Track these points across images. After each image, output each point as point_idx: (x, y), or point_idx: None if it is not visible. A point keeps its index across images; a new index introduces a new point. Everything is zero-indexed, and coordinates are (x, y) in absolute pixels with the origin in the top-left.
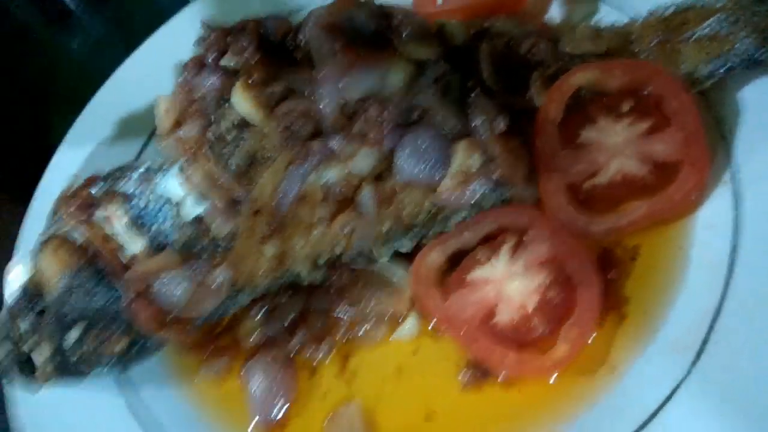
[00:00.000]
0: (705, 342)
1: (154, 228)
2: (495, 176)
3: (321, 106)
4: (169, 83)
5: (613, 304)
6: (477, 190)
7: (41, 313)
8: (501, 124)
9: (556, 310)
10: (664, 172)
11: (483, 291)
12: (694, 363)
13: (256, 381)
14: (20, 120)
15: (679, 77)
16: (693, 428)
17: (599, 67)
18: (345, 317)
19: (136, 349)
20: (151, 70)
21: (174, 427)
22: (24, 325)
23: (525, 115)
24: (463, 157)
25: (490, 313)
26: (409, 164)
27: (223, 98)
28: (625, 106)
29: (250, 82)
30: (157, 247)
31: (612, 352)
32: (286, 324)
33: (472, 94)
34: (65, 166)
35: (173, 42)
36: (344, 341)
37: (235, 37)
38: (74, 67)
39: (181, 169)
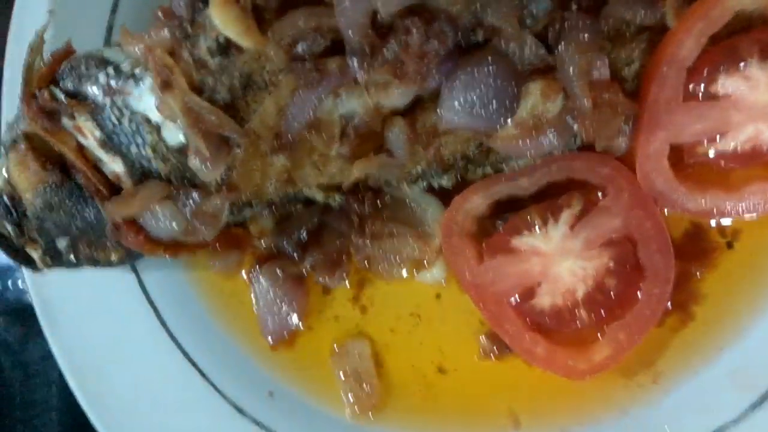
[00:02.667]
0: None
1: (132, 151)
2: (574, 134)
3: (341, 20)
4: None
5: (683, 299)
6: (548, 142)
7: (25, 215)
8: (603, 70)
9: (609, 302)
10: None
11: (527, 263)
12: (753, 408)
13: (264, 290)
14: None
15: None
16: None
17: None
18: (362, 252)
19: (135, 254)
20: None
21: (184, 319)
22: (9, 227)
23: (644, 35)
24: (538, 100)
25: (530, 292)
26: (460, 108)
27: (200, 1)
28: None
29: None
30: (139, 171)
31: (660, 360)
32: (298, 237)
33: (570, 9)
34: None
35: None
36: (363, 266)
37: None
38: None
39: (154, 91)
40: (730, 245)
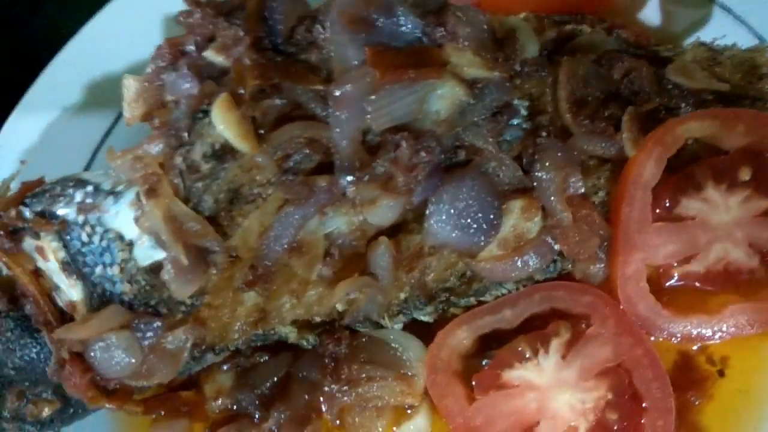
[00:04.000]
0: None
1: (97, 271)
2: (556, 248)
3: (335, 135)
4: (151, 45)
5: None
6: (530, 263)
7: None
8: (578, 185)
9: None
10: None
11: (522, 400)
12: None
13: None
14: None
15: None
16: None
17: (719, 117)
18: (338, 397)
19: (71, 411)
20: (131, 26)
21: None
22: None
23: (605, 166)
24: (519, 219)
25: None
26: (445, 224)
27: (201, 110)
28: (744, 174)
29: (239, 92)
30: (99, 296)
31: None
32: (263, 392)
33: (542, 136)
34: (18, 137)
35: None
36: (335, 425)
37: (227, 21)
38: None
39: (137, 199)
40: (721, 373)
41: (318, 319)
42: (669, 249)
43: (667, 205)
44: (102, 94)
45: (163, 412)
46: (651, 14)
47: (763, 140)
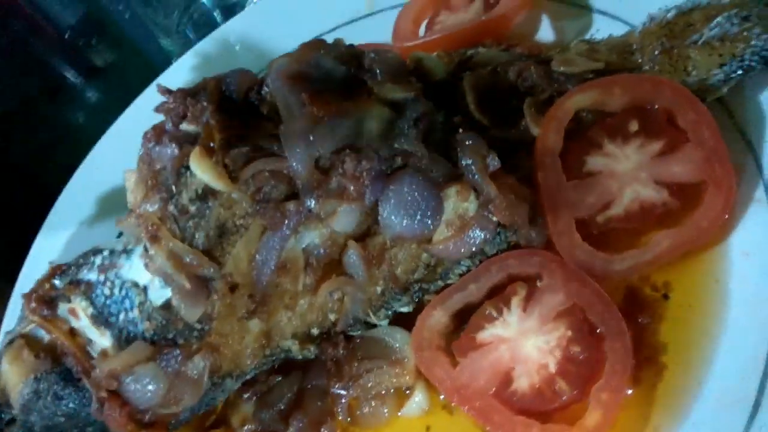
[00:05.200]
0: (761, 390)
1: (121, 318)
2: (494, 220)
3: (292, 164)
4: None
5: (649, 353)
6: (476, 236)
7: (11, 422)
8: (495, 162)
9: (582, 368)
10: (686, 196)
11: (496, 353)
12: (751, 418)
13: None
14: (16, 196)
15: (689, 87)
16: None
17: (597, 86)
18: (345, 394)
19: None
20: (128, 145)
21: None
22: None
23: (521, 149)
24: (456, 202)
25: (507, 379)
26: (396, 217)
27: (183, 167)
28: (633, 127)
29: (210, 146)
30: (125, 338)
31: (653, 414)
32: (281, 408)
33: (459, 132)
34: (46, 252)
35: (148, 114)
36: (347, 422)
37: (194, 99)
38: (71, 140)
39: (145, 250)
40: (666, 296)
41: (316, 332)
42: (588, 201)
43: (577, 166)
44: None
45: None
46: (545, 33)
47: (639, 96)
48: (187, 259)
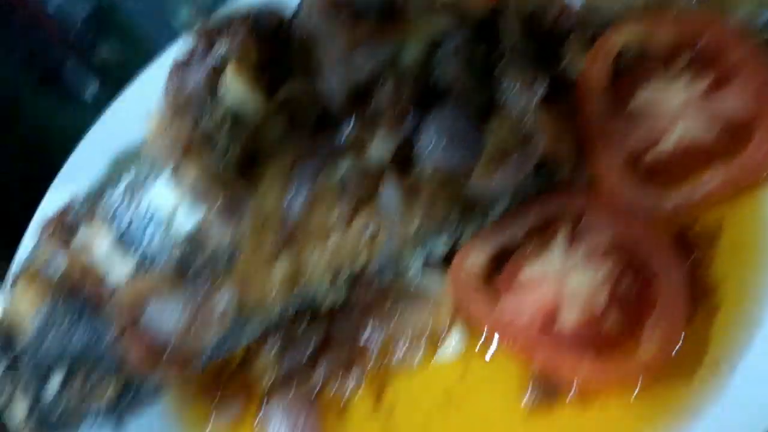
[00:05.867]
0: None
1: (144, 244)
2: (537, 156)
3: (328, 87)
4: None
5: (702, 291)
6: (518, 174)
7: (16, 360)
8: (541, 89)
9: (633, 304)
10: (737, 132)
11: (540, 291)
12: None
13: (274, 427)
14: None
15: (735, 26)
16: None
17: (644, 21)
18: (374, 341)
19: (130, 395)
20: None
21: None
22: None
23: (563, 89)
24: (498, 135)
25: (553, 315)
26: (434, 150)
27: (212, 91)
28: (681, 62)
29: (245, 63)
30: (148, 266)
31: (711, 349)
32: (307, 353)
33: (501, 62)
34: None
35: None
36: (377, 370)
37: (225, 27)
38: (67, 129)
39: (171, 173)
40: (718, 235)
41: (346, 273)
42: (636, 137)
43: (624, 102)
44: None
45: (218, 396)
46: None
47: (686, 33)
48: (218, 179)
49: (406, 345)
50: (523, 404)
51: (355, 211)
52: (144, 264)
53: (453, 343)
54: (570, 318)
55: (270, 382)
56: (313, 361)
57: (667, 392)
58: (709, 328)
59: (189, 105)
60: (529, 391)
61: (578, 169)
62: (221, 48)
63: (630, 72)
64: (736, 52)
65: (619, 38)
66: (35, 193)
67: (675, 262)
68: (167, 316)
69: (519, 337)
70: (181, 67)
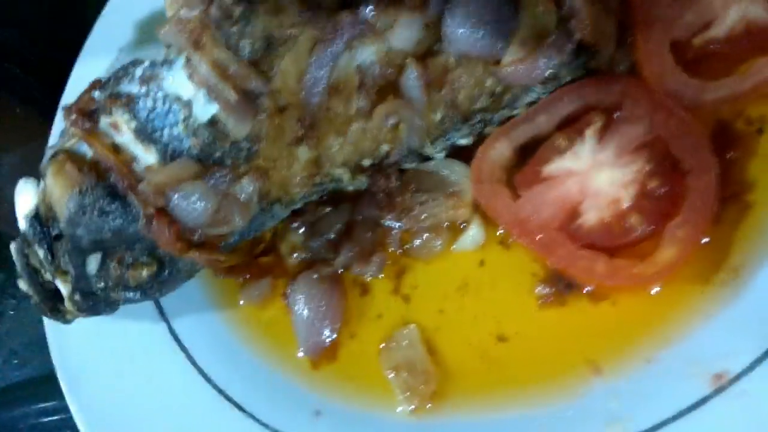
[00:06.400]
0: None
1: (165, 133)
2: (576, 39)
3: None
4: None
5: (734, 191)
6: (552, 59)
7: (58, 237)
8: None
9: (659, 204)
10: None
11: (564, 186)
12: None
13: (301, 304)
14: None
15: None
16: None
17: None
18: (397, 226)
19: (166, 273)
20: None
21: (217, 357)
22: (41, 252)
23: None
24: (533, 15)
25: (574, 213)
26: (462, 31)
27: None
28: None
29: None
30: (171, 155)
31: (733, 253)
32: (331, 238)
33: None
34: (86, 77)
35: None
36: (398, 254)
37: None
38: None
39: (187, 60)
40: (760, 131)
41: (368, 162)
42: (686, 18)
43: None
44: (151, 31)
45: (248, 276)
46: None
47: None
48: (233, 69)
49: (427, 233)
50: (536, 296)
51: (376, 101)
52: (166, 153)
53: (473, 233)
54: (591, 217)
55: (297, 262)
56: (337, 245)
57: (681, 292)
58: (733, 232)
59: None
60: (543, 285)
61: (620, 55)
62: None
63: None
64: None
65: None
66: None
67: (710, 160)
68: (193, 203)
69: (536, 234)
70: None
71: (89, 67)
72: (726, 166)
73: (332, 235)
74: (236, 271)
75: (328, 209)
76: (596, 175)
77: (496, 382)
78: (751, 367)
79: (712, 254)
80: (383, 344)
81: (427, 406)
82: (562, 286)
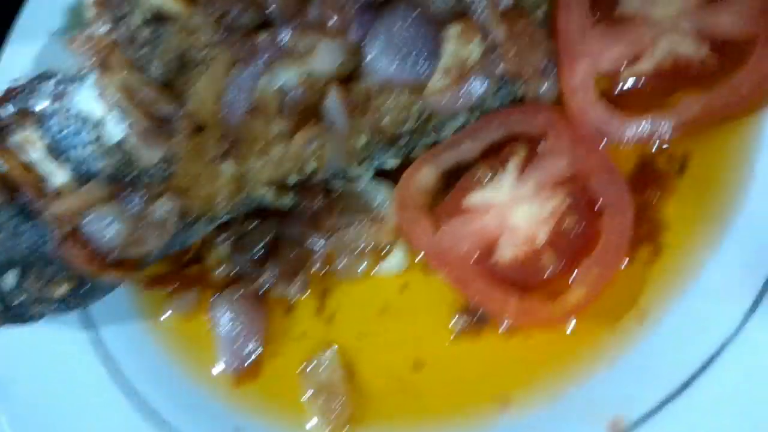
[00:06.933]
0: (765, 289)
1: (77, 153)
2: (500, 70)
3: None
4: None
5: (649, 232)
6: (477, 88)
7: None
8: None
9: (573, 242)
10: (729, 54)
11: (483, 220)
12: (748, 315)
13: (224, 321)
14: None
15: None
16: (733, 399)
17: None
18: (320, 250)
19: (87, 287)
20: None
21: (139, 370)
22: None
23: None
24: (458, 45)
25: (491, 248)
26: (385, 59)
27: None
28: None
29: None
30: (84, 174)
31: (643, 295)
32: (255, 255)
33: None
34: (14, 66)
35: None
36: (322, 274)
37: None
38: None
39: (95, 83)
40: (682, 169)
41: (293, 179)
42: (614, 52)
43: (607, 7)
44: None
45: (176, 285)
46: None
47: None
48: (143, 93)
49: (350, 256)
50: (452, 327)
51: (298, 123)
52: (79, 172)
53: (396, 258)
54: (507, 253)
55: (222, 276)
56: (262, 262)
57: (591, 332)
58: (644, 273)
59: (107, 2)
60: (460, 315)
61: (547, 84)
62: None
63: None
64: None
65: None
66: None
67: (626, 201)
68: (105, 227)
69: (453, 267)
70: None
71: (17, 54)
72: (643, 205)
73: (257, 251)
74: (161, 282)
75: (255, 223)
76: (515, 210)
77: (410, 409)
78: (648, 416)
79: (622, 294)
80: (304, 365)
81: (344, 430)
82: (478, 317)
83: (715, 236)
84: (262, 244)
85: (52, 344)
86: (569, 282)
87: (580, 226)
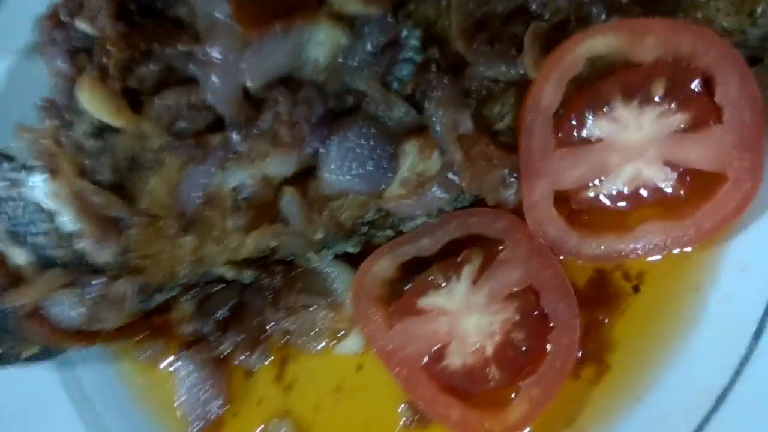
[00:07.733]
0: (702, 428)
1: (33, 240)
2: (456, 187)
3: (212, 97)
4: None
5: (596, 350)
6: (436, 197)
7: None
8: (467, 124)
9: (520, 357)
10: (696, 186)
11: (435, 323)
12: None
13: (186, 382)
14: None
15: (748, 42)
16: None
17: (623, 29)
18: (279, 326)
19: (50, 351)
20: None
21: (107, 410)
22: None
23: (513, 88)
24: (416, 159)
25: (440, 353)
26: (339, 173)
27: (72, 98)
28: (657, 89)
29: (106, 67)
30: (42, 259)
31: (581, 415)
32: (219, 317)
33: (433, 71)
34: None
35: None
36: (282, 342)
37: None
38: None
39: (45, 180)
40: (636, 289)
41: (253, 257)
42: (575, 173)
43: (574, 127)
44: None
45: (141, 336)
46: None
47: (676, 50)
48: (93, 199)
49: (306, 336)
50: (399, 418)
51: (253, 219)
52: (38, 256)
53: (351, 342)
54: (455, 361)
55: (185, 333)
56: (225, 324)
57: None
58: (586, 394)
59: (51, 106)
60: (405, 408)
61: (511, 192)
62: (85, 26)
63: (593, 87)
64: (729, 87)
65: (586, 49)
66: None
67: (574, 322)
68: (64, 311)
69: (402, 368)
70: (46, 28)
71: None
72: (593, 322)
73: (221, 316)
74: (125, 333)
75: (219, 287)
76: (466, 318)
77: None
78: None
79: (562, 413)
80: (262, 428)
81: None
82: (421, 417)
83: (662, 364)
84: (225, 309)
85: (21, 384)
86: (512, 397)
87: (528, 340)
